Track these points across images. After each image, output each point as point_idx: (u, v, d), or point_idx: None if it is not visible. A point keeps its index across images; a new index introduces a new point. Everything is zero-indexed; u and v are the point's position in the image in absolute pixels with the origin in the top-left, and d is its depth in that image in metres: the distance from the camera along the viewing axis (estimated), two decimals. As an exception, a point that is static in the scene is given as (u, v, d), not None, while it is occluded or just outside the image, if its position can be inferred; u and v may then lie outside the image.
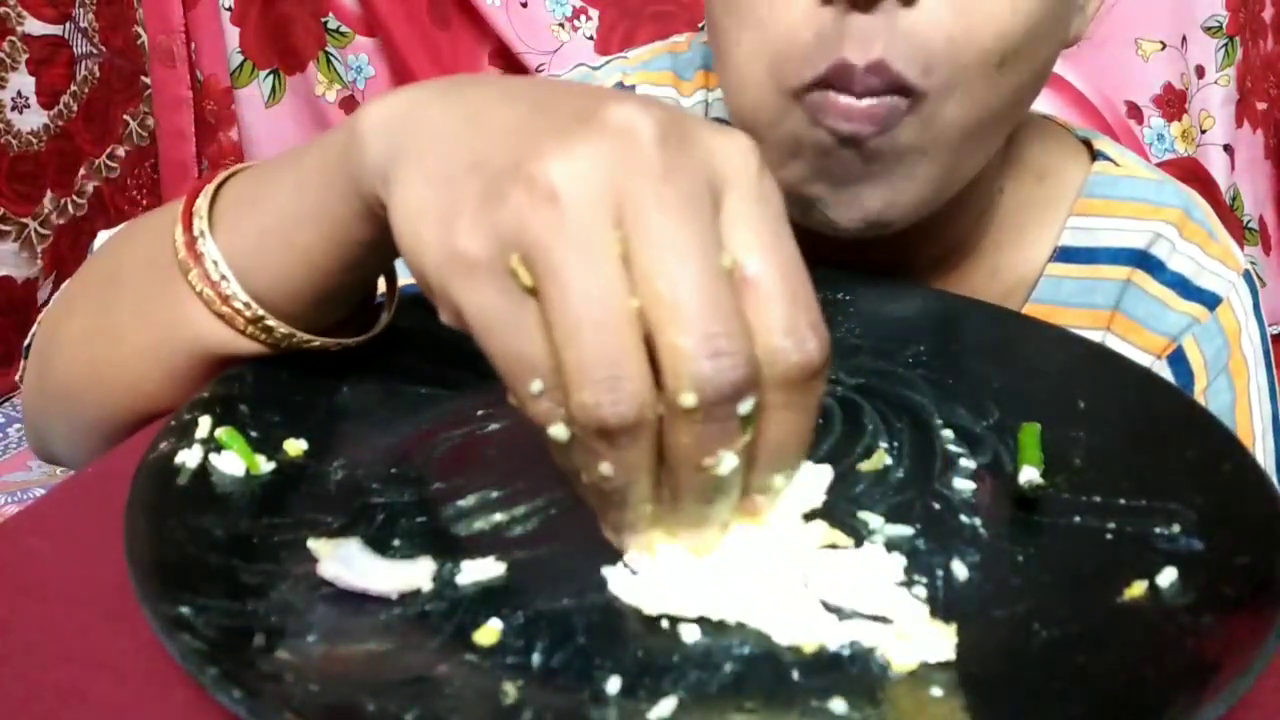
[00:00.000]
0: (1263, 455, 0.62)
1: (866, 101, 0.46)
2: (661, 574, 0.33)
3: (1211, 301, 0.60)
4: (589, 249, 0.27)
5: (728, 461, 0.29)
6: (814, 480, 0.35)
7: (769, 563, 0.33)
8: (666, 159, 0.27)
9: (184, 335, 0.41)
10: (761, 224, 0.28)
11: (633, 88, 0.64)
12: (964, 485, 0.40)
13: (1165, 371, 0.60)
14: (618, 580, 0.33)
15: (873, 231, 0.51)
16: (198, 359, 0.42)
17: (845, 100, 0.46)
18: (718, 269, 0.27)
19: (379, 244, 0.36)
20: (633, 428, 0.27)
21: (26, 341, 0.51)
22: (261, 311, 0.40)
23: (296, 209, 0.38)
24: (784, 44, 0.47)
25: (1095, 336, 0.61)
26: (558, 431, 0.28)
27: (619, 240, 0.27)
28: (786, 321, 0.28)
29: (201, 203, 0.40)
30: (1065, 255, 0.61)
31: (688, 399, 0.27)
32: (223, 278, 0.39)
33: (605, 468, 0.28)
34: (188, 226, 0.40)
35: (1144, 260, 0.61)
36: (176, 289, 0.41)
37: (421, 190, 0.30)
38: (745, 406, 0.28)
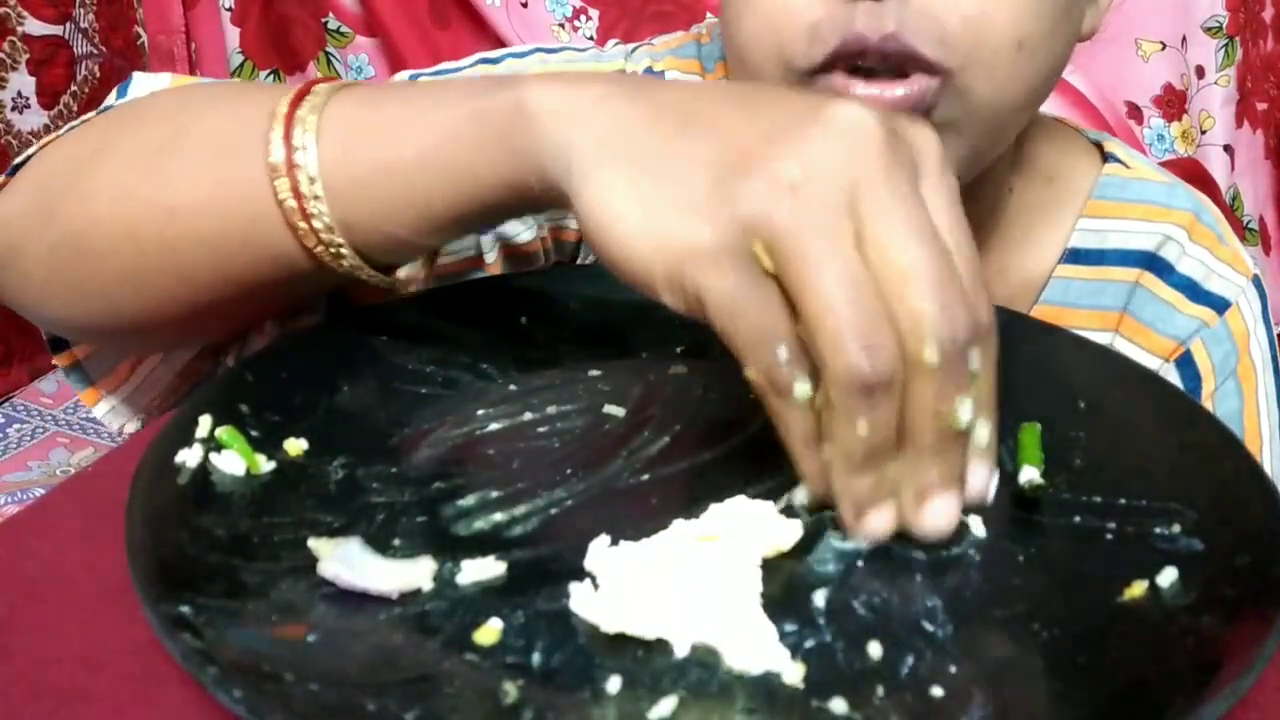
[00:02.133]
0: (1269, 459, 0.62)
1: (896, 91, 0.45)
2: (622, 592, 0.33)
3: (1220, 305, 0.60)
4: (834, 232, 0.30)
5: (965, 408, 0.33)
6: (784, 530, 0.36)
7: (724, 584, 0.33)
8: (891, 152, 0.31)
9: (250, 236, 0.40)
10: (951, 204, 0.33)
11: (662, 74, 0.63)
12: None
13: (1173, 375, 0.60)
14: (579, 597, 0.33)
15: None
16: (260, 265, 0.41)
17: (866, 91, 0.45)
18: (942, 244, 0.31)
19: (510, 211, 0.39)
20: (890, 384, 0.31)
21: (17, 160, 0.47)
22: (340, 239, 0.40)
23: (432, 158, 0.38)
24: (790, 25, 0.46)
25: (1103, 338, 0.61)
26: (801, 390, 0.32)
27: (853, 225, 0.31)
28: (974, 288, 0.32)
29: (307, 113, 0.39)
30: (1074, 257, 0.61)
31: (931, 354, 0.31)
32: (316, 197, 0.39)
33: (862, 426, 0.32)
34: (288, 133, 0.39)
35: (1153, 263, 0.60)
36: (254, 187, 0.39)
37: (642, 187, 0.33)
38: (974, 360, 0.32)
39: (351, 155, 0.39)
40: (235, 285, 0.42)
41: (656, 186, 0.32)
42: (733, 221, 0.31)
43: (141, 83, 0.51)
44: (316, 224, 0.39)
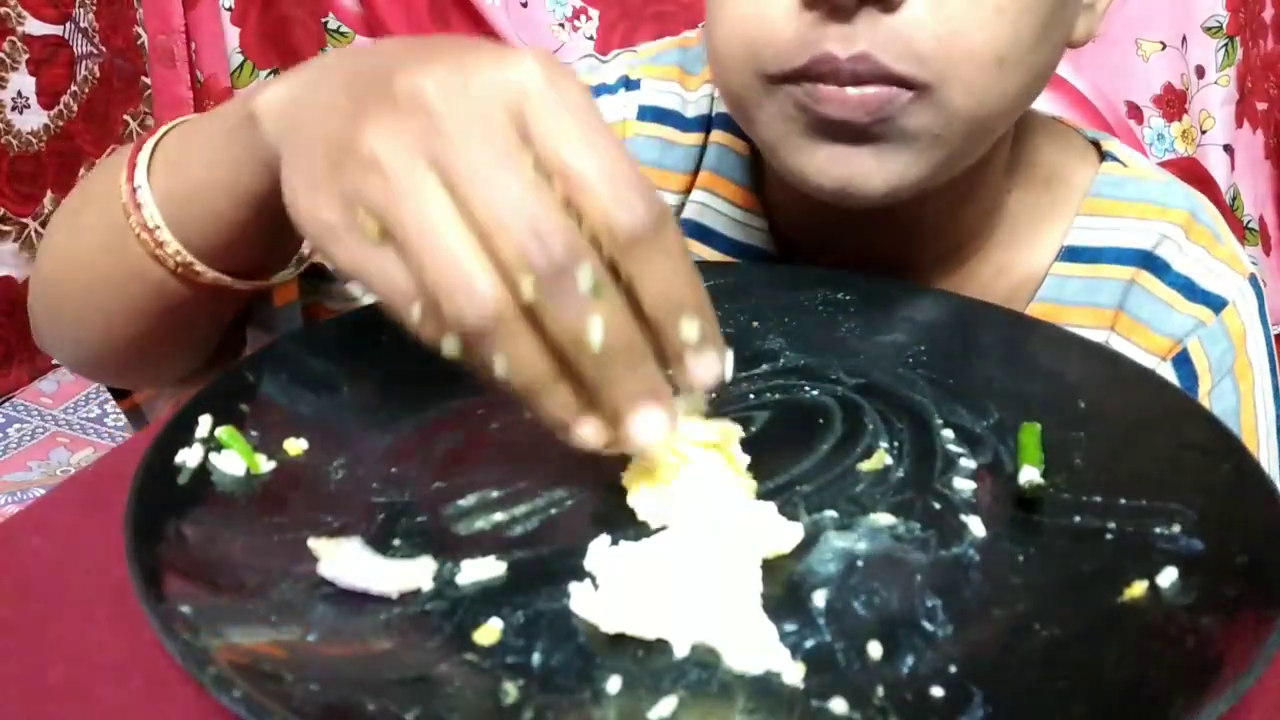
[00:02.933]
0: (1267, 458, 0.62)
1: (858, 91, 0.46)
2: (622, 592, 0.33)
3: (1217, 304, 0.60)
4: (416, 196, 0.31)
5: (595, 327, 0.32)
6: (785, 532, 0.36)
7: (724, 584, 0.33)
8: (452, 108, 0.32)
9: (135, 270, 0.45)
10: (562, 124, 0.32)
11: (638, 82, 0.64)
12: (964, 485, 0.40)
13: (1170, 373, 0.60)
14: (579, 597, 0.33)
15: (876, 204, 0.50)
16: (150, 292, 0.46)
17: (837, 90, 0.46)
18: (527, 177, 0.31)
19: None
20: (496, 323, 0.31)
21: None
22: (190, 257, 0.44)
23: (213, 177, 0.43)
24: (763, 37, 0.47)
25: (1099, 336, 0.61)
26: (449, 346, 0.32)
27: (440, 183, 0.31)
28: (609, 196, 0.31)
29: (143, 156, 0.45)
30: (1071, 255, 0.61)
31: (527, 287, 0.31)
32: (157, 226, 0.44)
33: (500, 364, 0.32)
34: (130, 176, 0.44)
35: (1149, 261, 0.60)
36: (122, 227, 0.45)
37: (294, 168, 0.35)
38: (584, 276, 0.31)
39: (168, 185, 0.44)
40: (146, 316, 0.47)
41: (301, 171, 0.35)
42: (337, 200, 0.33)
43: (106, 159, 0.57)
44: (169, 249, 0.44)
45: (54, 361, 1.61)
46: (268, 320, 0.53)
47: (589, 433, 0.34)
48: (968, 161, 0.52)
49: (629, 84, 0.64)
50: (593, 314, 0.31)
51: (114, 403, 1.47)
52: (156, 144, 0.45)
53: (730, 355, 0.36)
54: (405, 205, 0.31)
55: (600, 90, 0.64)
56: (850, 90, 0.46)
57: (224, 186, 0.42)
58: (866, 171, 0.49)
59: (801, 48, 0.46)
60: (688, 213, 0.64)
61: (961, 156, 0.51)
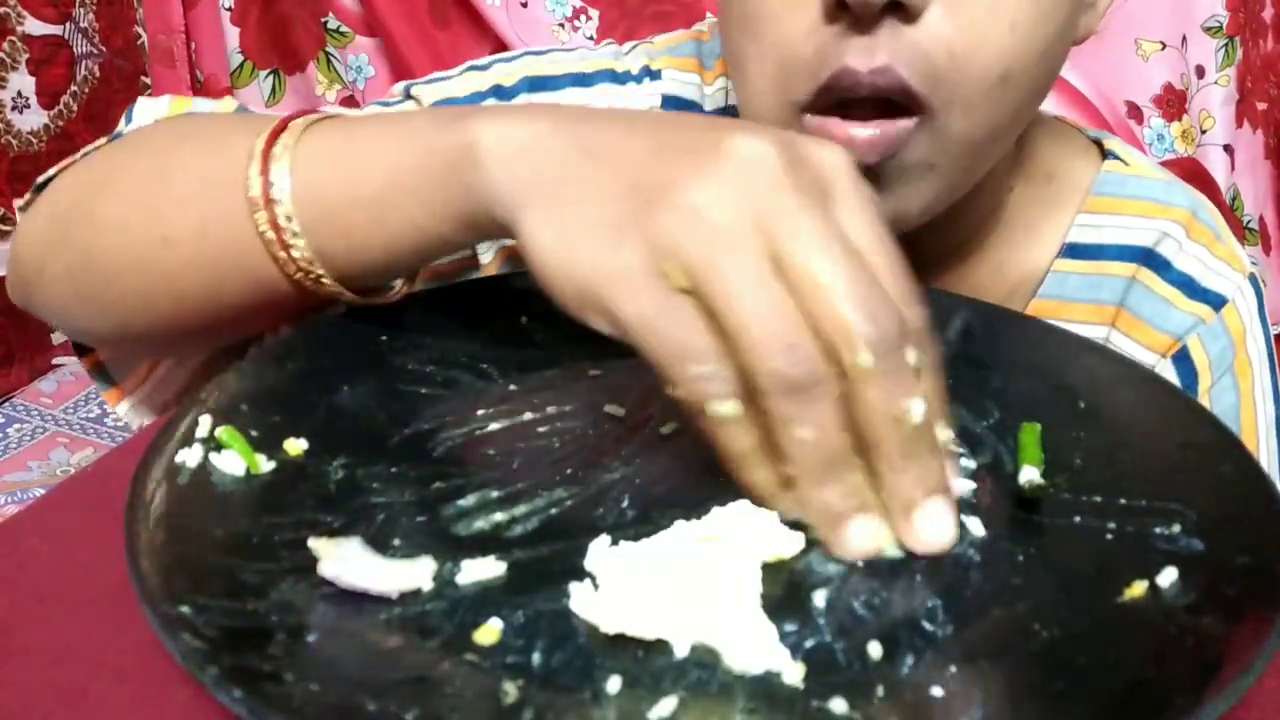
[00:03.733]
0: (1266, 457, 0.62)
1: (868, 131, 0.46)
2: (622, 592, 0.33)
3: (1217, 302, 0.60)
4: (744, 250, 0.32)
5: (917, 406, 0.33)
6: (786, 539, 0.36)
7: (724, 584, 0.33)
8: (792, 175, 0.33)
9: (237, 264, 0.43)
10: (865, 218, 0.34)
11: (659, 72, 0.64)
12: (964, 485, 0.40)
13: (1170, 370, 0.60)
14: (579, 597, 0.33)
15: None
16: (247, 289, 0.44)
17: (844, 130, 0.46)
18: (855, 255, 0.32)
19: (466, 242, 0.42)
20: (817, 382, 0.32)
21: (40, 180, 0.51)
22: (320, 269, 0.42)
23: (392, 195, 0.40)
24: (788, 58, 0.47)
25: (1099, 332, 0.61)
26: (725, 408, 0.33)
27: (766, 246, 0.32)
28: (898, 291, 0.33)
29: (281, 150, 0.41)
30: (1072, 251, 0.61)
31: (865, 359, 0.32)
32: (293, 231, 0.41)
33: (803, 431, 0.32)
34: (265, 169, 0.41)
35: (1150, 258, 0.61)
36: (237, 220, 0.42)
37: (563, 219, 0.35)
38: (911, 356, 0.33)
39: (321, 190, 0.41)
40: (228, 306, 0.45)
41: (576, 217, 0.35)
42: (642, 245, 0.33)
43: (145, 108, 0.54)
44: (295, 254, 0.42)
45: (54, 361, 1.61)
46: None
47: (866, 533, 0.34)
48: (971, 182, 0.52)
49: (651, 74, 0.64)
50: (916, 393, 0.32)
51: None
52: (297, 142, 0.42)
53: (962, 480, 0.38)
54: (731, 258, 0.32)
55: (625, 78, 0.64)
56: (857, 132, 0.46)
57: (409, 209, 0.40)
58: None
59: (823, 61, 0.46)
60: None
61: (961, 182, 0.51)
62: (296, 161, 0.41)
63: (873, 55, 0.45)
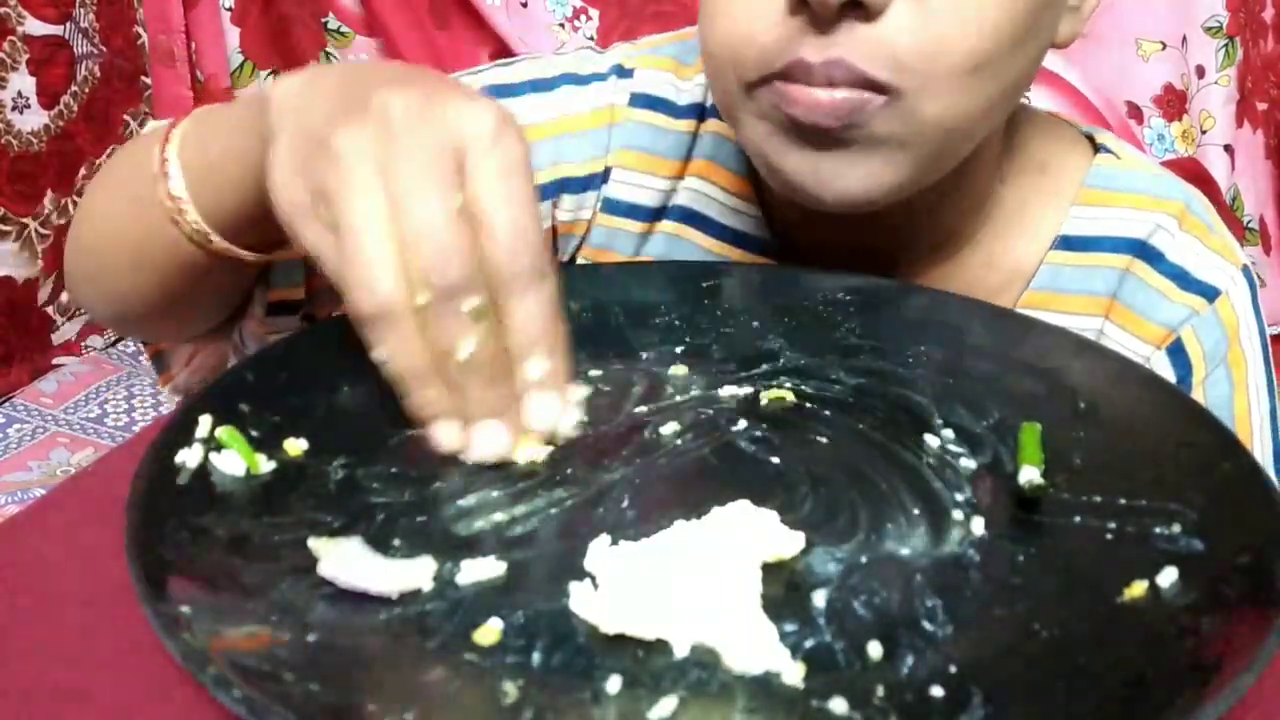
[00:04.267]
0: (1260, 450, 0.62)
1: (828, 94, 0.46)
2: (622, 592, 0.33)
3: (1211, 294, 0.60)
4: (363, 192, 0.37)
5: (465, 346, 0.38)
6: (785, 539, 0.36)
7: (723, 585, 0.33)
8: (409, 129, 0.37)
9: (159, 235, 0.50)
10: (491, 174, 0.38)
11: (631, 70, 0.64)
12: (964, 485, 0.40)
13: (1164, 362, 0.60)
14: (579, 597, 0.33)
15: (856, 209, 0.51)
16: (172, 257, 0.50)
17: (806, 92, 0.47)
18: (450, 207, 0.37)
19: None
20: (385, 316, 0.37)
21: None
22: (205, 227, 0.48)
23: (230, 151, 0.47)
24: (745, 43, 0.48)
25: (1093, 324, 0.61)
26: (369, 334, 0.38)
27: (382, 189, 0.37)
28: (506, 245, 0.38)
29: (177, 130, 0.49)
30: (1065, 244, 0.61)
31: (422, 297, 0.37)
32: (180, 195, 0.48)
33: (380, 353, 0.38)
34: (163, 149, 0.49)
35: (1143, 250, 0.61)
36: (149, 197, 0.49)
37: (278, 153, 0.40)
38: (468, 303, 0.37)
39: (193, 158, 0.48)
40: (170, 276, 0.52)
41: (283, 153, 0.40)
42: (305, 182, 0.39)
43: (150, 125, 0.63)
44: (188, 218, 0.48)
45: (54, 361, 1.61)
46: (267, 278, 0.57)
47: (443, 432, 0.40)
48: (947, 165, 0.52)
49: (621, 72, 0.64)
50: (468, 334, 0.38)
51: (114, 403, 1.47)
52: (187, 123, 0.50)
53: (575, 410, 0.42)
54: (347, 198, 0.37)
55: (590, 79, 0.64)
56: (819, 93, 0.46)
57: (236, 163, 0.46)
58: (836, 175, 0.49)
59: (779, 53, 0.47)
60: (681, 199, 0.65)
61: (936, 162, 0.51)
62: (184, 141, 0.49)
63: (826, 50, 0.46)
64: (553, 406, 0.40)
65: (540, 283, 0.39)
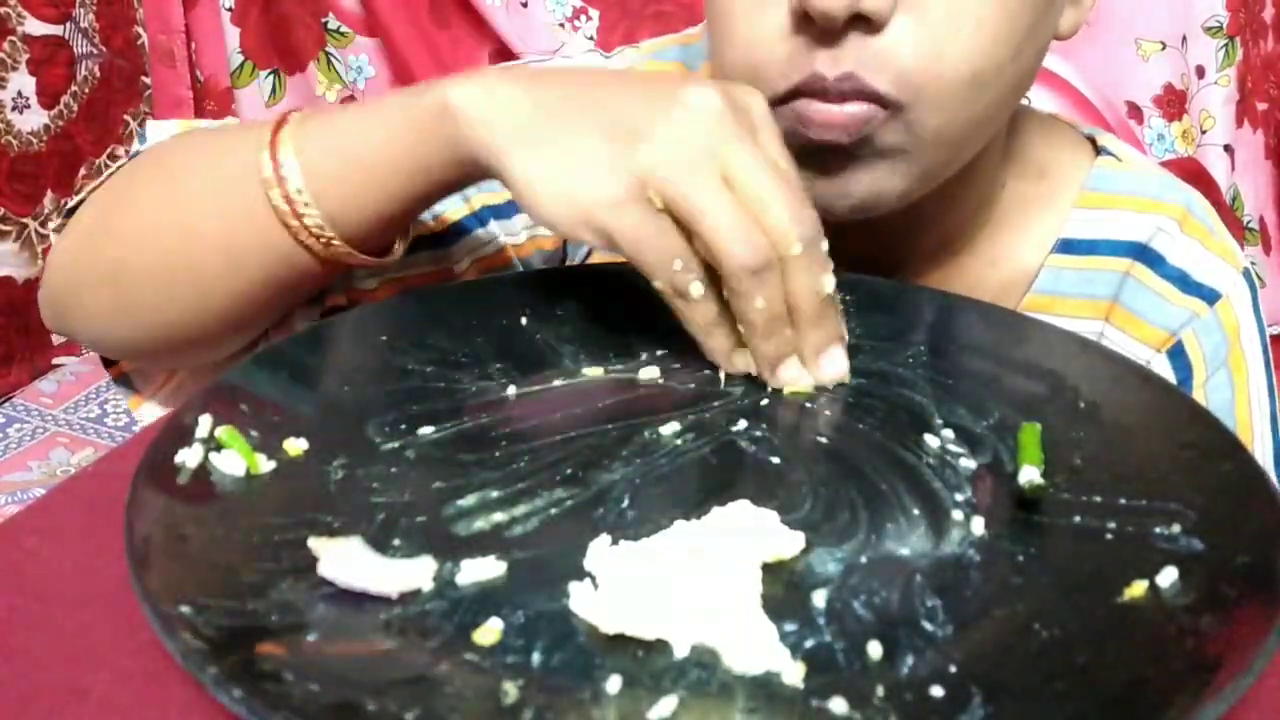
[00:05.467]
0: (1261, 451, 0.62)
1: (842, 109, 0.48)
2: (622, 592, 0.33)
3: (1211, 297, 0.60)
4: (704, 174, 0.42)
5: (829, 282, 0.44)
6: (785, 539, 0.36)
7: (723, 584, 0.33)
8: (732, 115, 0.43)
9: (256, 239, 0.49)
10: (779, 144, 0.45)
11: None
12: (964, 485, 0.40)
13: (1165, 365, 0.60)
14: (579, 597, 0.33)
15: (862, 215, 0.51)
16: (266, 263, 0.50)
17: (823, 109, 0.48)
18: (780, 174, 0.43)
19: (456, 183, 0.49)
20: (769, 267, 0.42)
21: (70, 205, 0.57)
22: (330, 231, 0.49)
23: (383, 155, 0.48)
24: (761, 60, 0.49)
25: (1094, 327, 0.61)
26: (696, 289, 0.43)
27: (720, 171, 0.42)
28: (806, 201, 0.43)
29: (285, 136, 0.49)
30: (1066, 247, 0.61)
31: (796, 248, 0.42)
32: (305, 202, 0.48)
33: (759, 300, 0.42)
34: (274, 153, 0.48)
35: (1144, 253, 0.61)
36: (253, 199, 0.48)
37: (550, 157, 0.43)
38: (824, 245, 0.43)
39: (322, 162, 0.48)
40: (247, 286, 0.51)
41: (563, 156, 0.43)
42: (629, 174, 0.42)
43: (155, 129, 0.60)
44: (308, 221, 0.48)
45: (54, 361, 1.61)
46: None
47: (792, 369, 0.45)
48: (951, 171, 0.53)
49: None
50: (828, 273, 0.43)
51: (114, 403, 1.47)
52: (297, 128, 0.49)
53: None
54: (696, 180, 0.41)
55: None
56: (834, 109, 0.48)
57: (400, 170, 0.47)
58: (844, 186, 0.51)
59: (794, 67, 0.48)
60: None
61: (940, 169, 0.52)
62: (299, 144, 0.48)
63: (838, 63, 0.47)
64: (843, 350, 0.46)
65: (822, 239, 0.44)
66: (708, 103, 0.43)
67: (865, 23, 0.46)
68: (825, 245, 0.43)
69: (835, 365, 0.45)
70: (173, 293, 0.52)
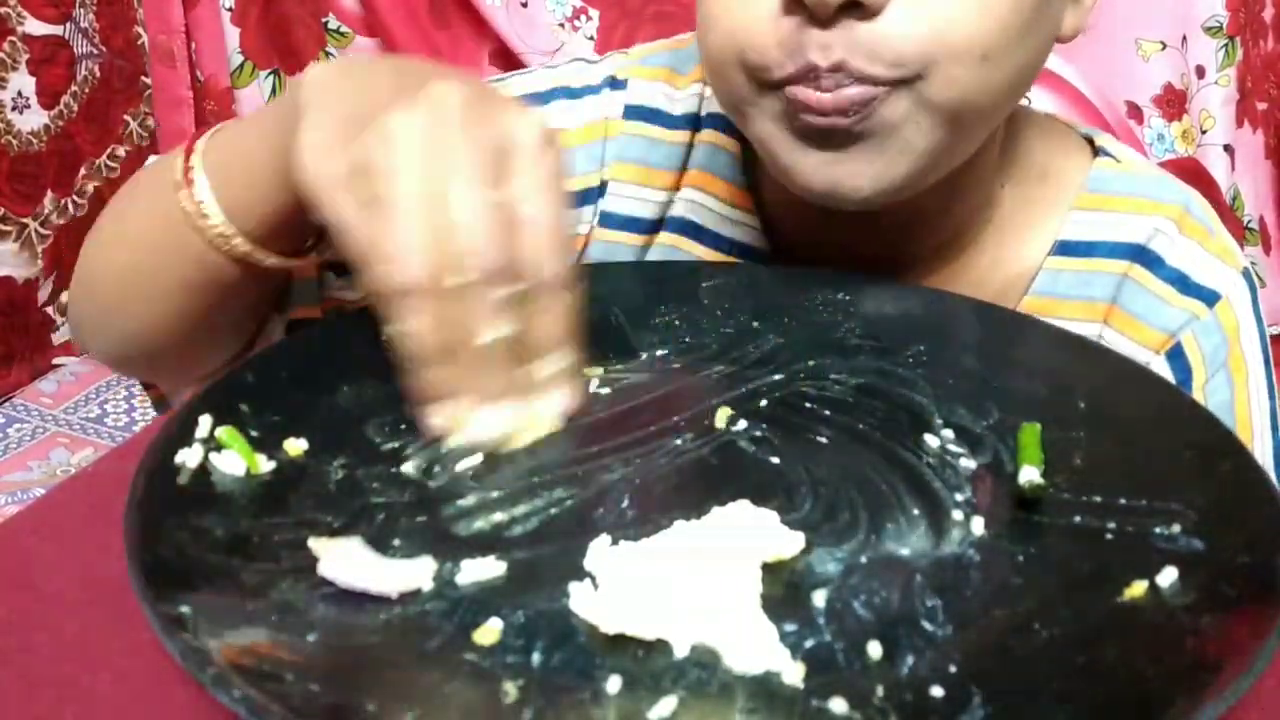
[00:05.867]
0: (1261, 452, 0.62)
1: (834, 96, 0.47)
2: (622, 592, 0.33)
3: (1210, 298, 0.60)
4: (410, 171, 0.39)
5: (491, 331, 0.39)
6: (785, 539, 0.36)
7: (723, 584, 0.34)
8: (465, 121, 0.39)
9: (179, 245, 0.49)
10: (534, 179, 0.40)
11: (624, 82, 0.64)
12: (964, 485, 0.40)
13: (1164, 367, 0.60)
14: (579, 597, 0.33)
15: (870, 206, 0.50)
16: (192, 268, 0.50)
17: (816, 95, 0.47)
18: (486, 199, 0.39)
19: None
20: (414, 292, 0.38)
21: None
22: (230, 229, 0.48)
23: (254, 148, 0.48)
24: (752, 47, 0.48)
25: (1092, 330, 0.61)
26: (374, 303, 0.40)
27: (431, 174, 0.39)
28: (546, 245, 0.40)
29: (202, 141, 0.50)
30: (1064, 249, 0.61)
31: (452, 280, 0.38)
32: (203, 200, 0.48)
33: (400, 327, 0.39)
34: (186, 161, 0.49)
35: (1142, 255, 0.60)
36: (171, 206, 0.49)
37: (309, 128, 0.42)
38: (495, 294, 0.39)
39: (217, 162, 0.49)
40: (180, 294, 0.51)
41: (315, 129, 0.42)
42: (345, 158, 0.40)
43: (151, 160, 0.61)
44: (212, 220, 0.48)
45: (54, 361, 1.61)
46: (284, 301, 0.57)
47: (441, 412, 0.41)
48: (957, 159, 0.52)
49: (615, 84, 0.64)
50: (492, 320, 0.39)
51: (114, 403, 1.47)
52: (209, 137, 0.50)
53: (568, 403, 0.43)
54: (393, 174, 0.39)
55: (583, 92, 0.64)
56: (828, 97, 0.47)
57: (264, 158, 0.46)
58: (854, 173, 0.49)
59: (786, 55, 0.47)
60: (677, 210, 0.64)
61: (948, 153, 0.51)
62: (207, 148, 0.49)
63: (830, 51, 0.46)
64: (566, 400, 0.42)
65: (568, 285, 0.41)
66: (450, 99, 0.40)
67: (859, 8, 0.45)
68: (504, 292, 0.39)
69: (480, 424, 0.41)
70: (124, 307, 0.54)
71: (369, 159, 0.39)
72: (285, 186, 0.46)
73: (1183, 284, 0.60)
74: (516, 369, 0.41)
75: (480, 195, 0.39)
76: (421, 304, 0.38)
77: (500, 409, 0.41)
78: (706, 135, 0.64)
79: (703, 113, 0.64)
